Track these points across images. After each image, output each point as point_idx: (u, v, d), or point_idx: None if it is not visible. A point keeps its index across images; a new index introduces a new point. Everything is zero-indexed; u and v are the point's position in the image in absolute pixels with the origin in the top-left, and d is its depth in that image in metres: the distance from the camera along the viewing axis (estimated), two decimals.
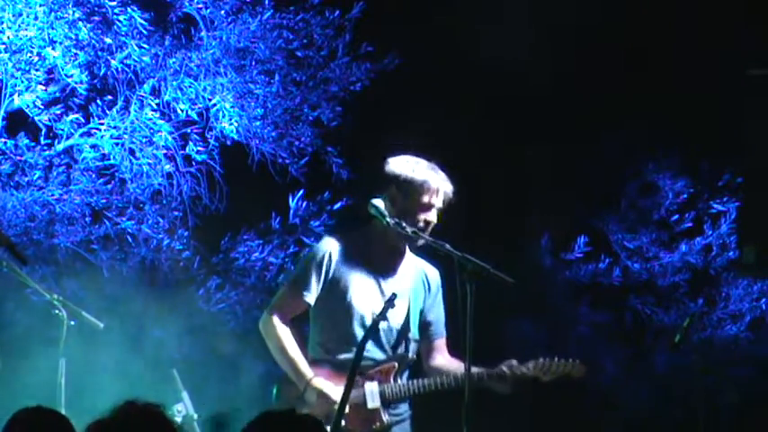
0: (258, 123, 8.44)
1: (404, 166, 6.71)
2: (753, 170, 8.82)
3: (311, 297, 6.70)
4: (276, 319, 6.72)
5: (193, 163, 8.40)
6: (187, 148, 8.39)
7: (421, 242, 6.65)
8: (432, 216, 6.66)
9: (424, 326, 6.86)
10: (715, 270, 8.97)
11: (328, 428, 6.54)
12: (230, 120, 8.38)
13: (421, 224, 6.63)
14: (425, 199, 6.63)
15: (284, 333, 6.70)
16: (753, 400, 8.84)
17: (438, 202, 6.68)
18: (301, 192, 8.56)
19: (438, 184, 6.67)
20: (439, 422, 7.27)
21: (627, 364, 8.98)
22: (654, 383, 8.93)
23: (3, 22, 8.01)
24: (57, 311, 6.80)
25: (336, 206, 8.57)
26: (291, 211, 8.58)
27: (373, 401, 6.68)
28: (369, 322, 6.62)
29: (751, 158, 8.65)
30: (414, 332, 6.80)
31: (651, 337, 8.95)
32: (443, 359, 6.86)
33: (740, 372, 8.90)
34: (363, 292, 6.71)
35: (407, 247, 6.79)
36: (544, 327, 8.84)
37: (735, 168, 8.87)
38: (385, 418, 6.70)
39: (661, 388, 8.89)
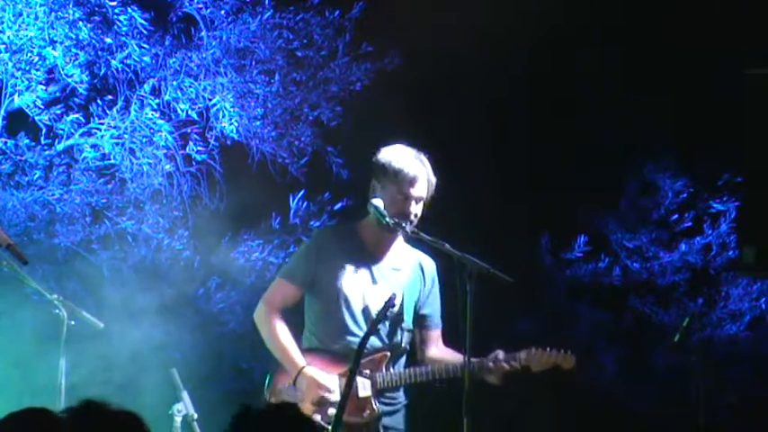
0: (258, 123, 8.45)
1: (385, 155, 6.73)
2: (753, 170, 8.81)
3: (299, 286, 6.75)
4: (268, 310, 6.80)
5: (193, 163, 8.41)
6: (187, 148, 8.39)
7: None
8: (413, 207, 6.65)
9: (420, 317, 6.88)
10: (715, 270, 8.96)
11: (318, 417, 6.58)
12: (230, 120, 8.38)
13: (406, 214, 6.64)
14: (402, 189, 6.63)
15: (276, 323, 6.77)
16: (753, 400, 8.83)
17: (418, 192, 6.66)
18: (301, 192, 8.56)
19: (415, 173, 6.65)
20: (436, 414, 7.29)
21: (627, 364, 8.97)
22: (654, 383, 8.92)
23: (3, 22, 8.02)
24: (57, 311, 6.80)
25: (336, 206, 8.57)
26: (291, 211, 8.58)
27: (364, 390, 6.70)
28: (355, 307, 6.66)
29: (751, 158, 8.64)
30: (407, 322, 6.81)
31: (651, 336, 8.94)
32: (438, 350, 6.88)
33: (740, 372, 8.89)
34: (354, 281, 6.74)
35: (401, 237, 6.79)
36: (544, 326, 8.83)
37: (734, 168, 8.85)
38: (376, 406, 6.71)
39: (661, 388, 8.88)
